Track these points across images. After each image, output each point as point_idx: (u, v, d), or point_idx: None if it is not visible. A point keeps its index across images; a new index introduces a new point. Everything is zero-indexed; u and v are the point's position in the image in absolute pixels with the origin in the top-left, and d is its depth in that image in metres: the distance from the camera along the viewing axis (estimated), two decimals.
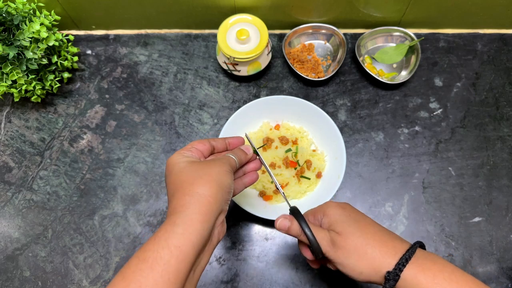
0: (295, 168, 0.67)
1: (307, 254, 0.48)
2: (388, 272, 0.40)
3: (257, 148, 0.54)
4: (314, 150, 0.70)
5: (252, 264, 0.65)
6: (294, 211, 0.47)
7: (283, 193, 0.52)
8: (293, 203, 0.66)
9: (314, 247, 0.44)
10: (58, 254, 0.66)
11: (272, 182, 0.67)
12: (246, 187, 0.52)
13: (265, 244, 0.66)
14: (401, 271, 0.40)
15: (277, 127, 0.71)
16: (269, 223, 0.67)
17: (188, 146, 0.47)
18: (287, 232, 0.46)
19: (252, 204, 0.65)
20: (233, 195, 0.49)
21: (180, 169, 0.43)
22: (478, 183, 0.69)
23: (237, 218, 0.68)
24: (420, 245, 0.43)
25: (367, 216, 0.47)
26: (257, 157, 0.54)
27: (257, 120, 0.70)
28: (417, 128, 0.73)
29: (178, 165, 0.43)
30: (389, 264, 0.41)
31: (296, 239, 0.66)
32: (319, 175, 0.68)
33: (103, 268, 0.65)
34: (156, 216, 0.68)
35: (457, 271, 0.40)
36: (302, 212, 0.47)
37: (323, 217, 0.47)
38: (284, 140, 0.69)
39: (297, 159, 0.68)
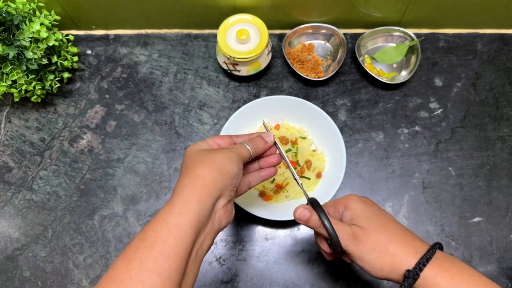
0: (295, 168, 0.67)
1: (324, 246, 0.48)
2: (408, 271, 0.41)
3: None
4: (314, 150, 0.70)
5: (252, 264, 0.65)
6: (314, 203, 0.46)
7: (301, 184, 0.52)
8: (292, 203, 0.66)
9: (333, 240, 0.43)
10: (58, 254, 0.66)
11: (272, 182, 0.67)
12: (263, 181, 0.53)
13: (265, 244, 0.66)
14: (421, 270, 0.40)
15: (277, 127, 0.71)
16: (269, 223, 0.67)
17: (206, 139, 0.49)
18: (306, 223, 0.46)
19: (252, 204, 0.65)
20: (249, 188, 0.52)
21: (189, 156, 0.45)
22: (478, 183, 0.69)
23: (237, 218, 0.68)
24: (439, 246, 0.43)
25: (388, 213, 0.47)
26: (277, 151, 0.54)
27: (257, 120, 0.70)
28: (417, 128, 0.73)
29: (189, 153, 0.46)
30: (410, 262, 0.41)
31: (296, 239, 0.66)
32: (319, 175, 0.68)
33: (103, 268, 0.65)
34: None
35: (476, 273, 0.40)
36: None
37: (345, 210, 0.47)
38: (284, 140, 0.69)
39: (297, 159, 0.68)
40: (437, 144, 0.72)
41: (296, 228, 0.67)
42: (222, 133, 0.66)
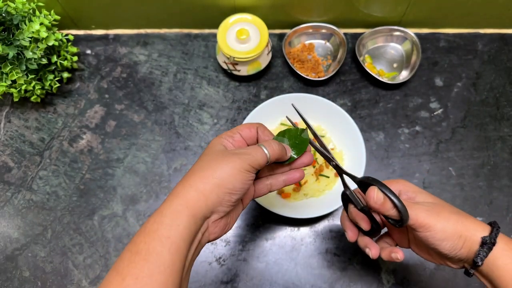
0: (314, 166, 0.67)
1: (364, 223, 0.47)
2: (484, 237, 0.41)
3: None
4: (332, 149, 0.70)
5: (252, 264, 0.65)
6: (369, 179, 0.43)
7: (341, 168, 0.50)
8: (311, 201, 0.66)
9: (402, 212, 0.40)
10: (57, 254, 0.65)
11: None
12: (286, 185, 0.48)
13: (265, 244, 0.66)
14: (497, 236, 0.41)
15: (295, 124, 0.71)
16: (270, 224, 0.67)
17: (234, 130, 0.45)
18: (381, 206, 0.42)
19: (271, 202, 0.64)
20: (270, 191, 0.47)
21: (202, 155, 0.43)
22: (479, 183, 0.69)
23: (240, 218, 0.67)
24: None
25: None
26: (310, 145, 0.50)
27: (276, 117, 0.69)
28: (417, 128, 0.73)
29: (207, 151, 0.43)
30: (484, 230, 0.42)
31: (295, 239, 0.66)
32: (337, 174, 0.67)
33: (103, 268, 0.65)
34: None
35: None
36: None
37: (411, 194, 0.46)
38: None
39: (316, 157, 0.68)
40: (438, 144, 0.72)
41: (296, 229, 0.67)
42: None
